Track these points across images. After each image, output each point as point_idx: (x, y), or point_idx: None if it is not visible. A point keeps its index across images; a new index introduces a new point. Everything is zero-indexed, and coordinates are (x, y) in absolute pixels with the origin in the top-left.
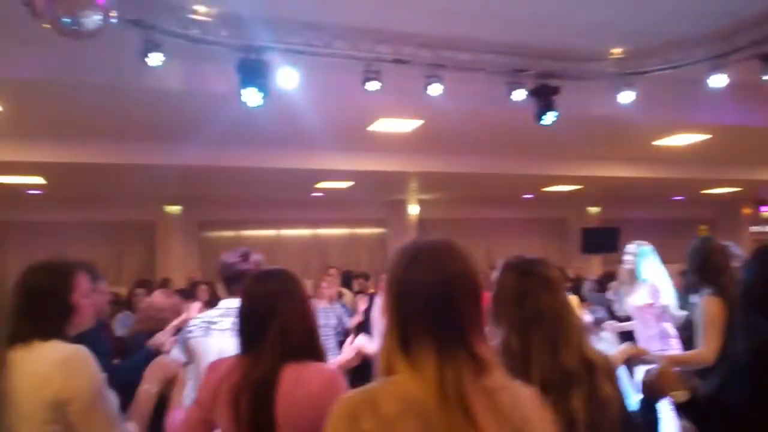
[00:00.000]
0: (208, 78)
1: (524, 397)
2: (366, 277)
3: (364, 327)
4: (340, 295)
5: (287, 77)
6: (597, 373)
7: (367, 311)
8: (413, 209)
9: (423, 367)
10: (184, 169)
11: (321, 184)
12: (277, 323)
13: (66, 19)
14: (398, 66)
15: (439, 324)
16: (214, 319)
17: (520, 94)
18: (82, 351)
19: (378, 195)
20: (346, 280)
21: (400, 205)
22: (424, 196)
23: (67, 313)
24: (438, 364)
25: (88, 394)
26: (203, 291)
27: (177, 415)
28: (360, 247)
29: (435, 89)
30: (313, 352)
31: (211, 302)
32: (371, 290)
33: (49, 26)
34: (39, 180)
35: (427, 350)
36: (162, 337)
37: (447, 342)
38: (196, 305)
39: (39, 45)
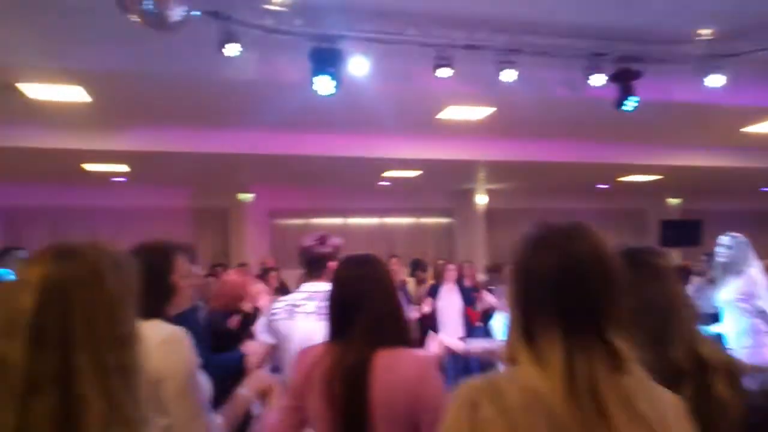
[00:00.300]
0: (282, 67)
1: (666, 402)
2: (423, 267)
3: (431, 317)
4: (404, 284)
5: (358, 65)
6: (710, 371)
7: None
8: (481, 199)
9: (548, 358)
10: (256, 157)
11: (388, 173)
12: (368, 309)
13: (153, 12)
14: (470, 52)
15: (568, 312)
16: (298, 302)
17: (599, 80)
18: (181, 332)
19: (445, 184)
20: (414, 268)
21: (468, 195)
22: (492, 186)
23: (169, 293)
24: (565, 356)
25: (182, 375)
26: (273, 277)
27: (273, 414)
28: (426, 237)
29: (508, 75)
30: (404, 338)
31: (280, 289)
32: (430, 281)
33: (137, 19)
34: (123, 168)
35: (553, 340)
36: (255, 350)
37: (577, 332)
38: (264, 288)
39: (126, 38)
